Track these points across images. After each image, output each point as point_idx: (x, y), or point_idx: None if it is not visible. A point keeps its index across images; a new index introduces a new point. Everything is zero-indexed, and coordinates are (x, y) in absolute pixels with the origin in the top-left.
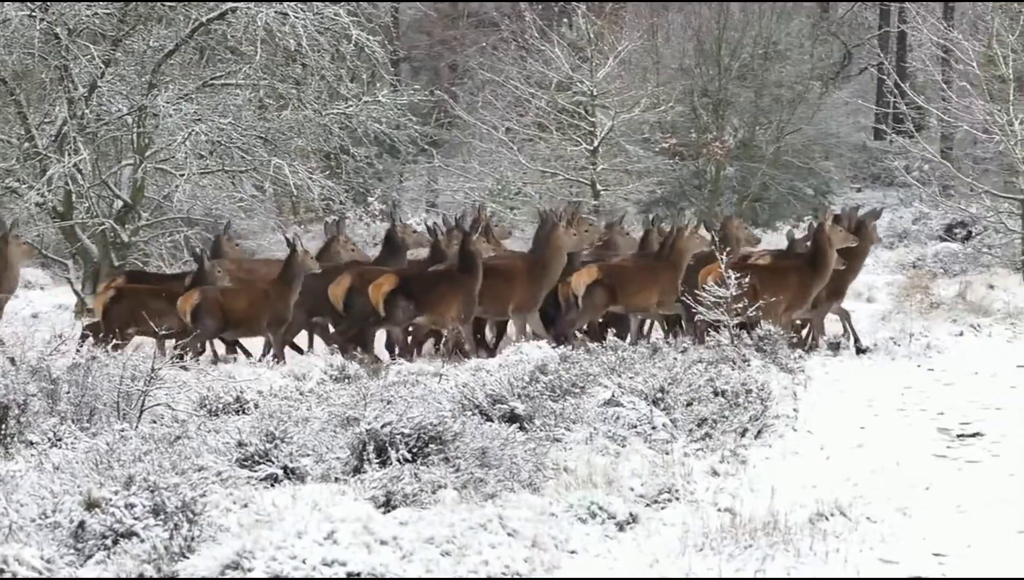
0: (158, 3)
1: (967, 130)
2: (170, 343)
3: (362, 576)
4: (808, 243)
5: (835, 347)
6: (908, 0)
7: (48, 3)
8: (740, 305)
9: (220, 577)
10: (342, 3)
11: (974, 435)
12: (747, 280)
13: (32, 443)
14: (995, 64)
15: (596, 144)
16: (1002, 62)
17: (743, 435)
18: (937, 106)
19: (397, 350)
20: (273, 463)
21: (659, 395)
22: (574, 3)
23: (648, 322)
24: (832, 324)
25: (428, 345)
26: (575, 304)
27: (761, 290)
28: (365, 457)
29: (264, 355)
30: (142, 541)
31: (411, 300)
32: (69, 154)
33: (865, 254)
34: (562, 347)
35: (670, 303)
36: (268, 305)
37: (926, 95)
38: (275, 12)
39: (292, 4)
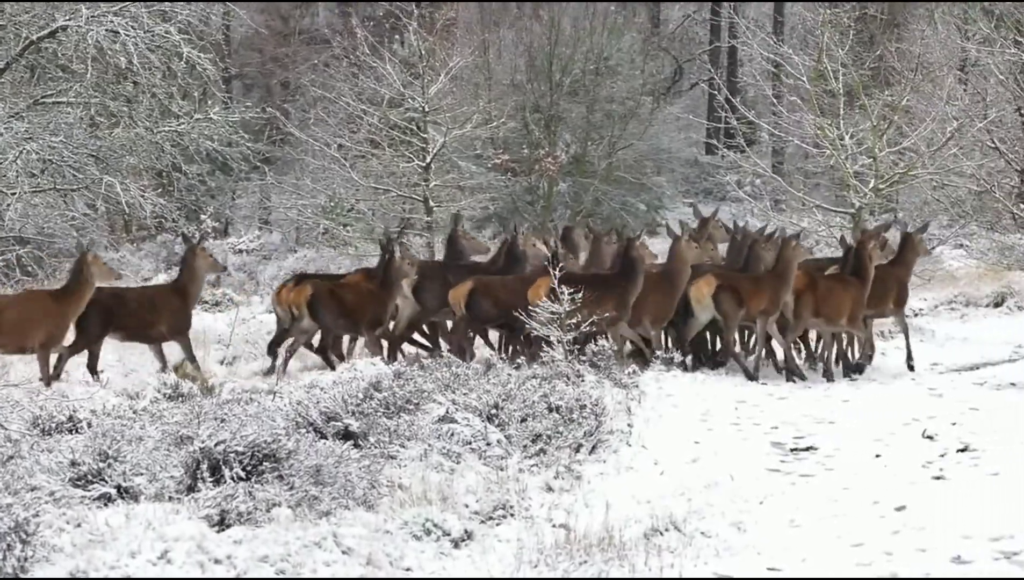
0: None
1: (798, 144)
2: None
3: None
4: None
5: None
6: None
7: None
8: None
9: None
10: (173, 21)
11: (808, 449)
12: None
13: None
14: (825, 79)
15: (428, 160)
16: (832, 76)
17: (578, 451)
18: (768, 121)
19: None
20: (107, 482)
21: (493, 411)
22: (405, 20)
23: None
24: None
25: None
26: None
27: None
28: (199, 476)
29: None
30: None
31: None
32: None
33: (912, 267)
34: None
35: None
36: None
37: (757, 110)
38: (106, 30)
39: (123, 22)
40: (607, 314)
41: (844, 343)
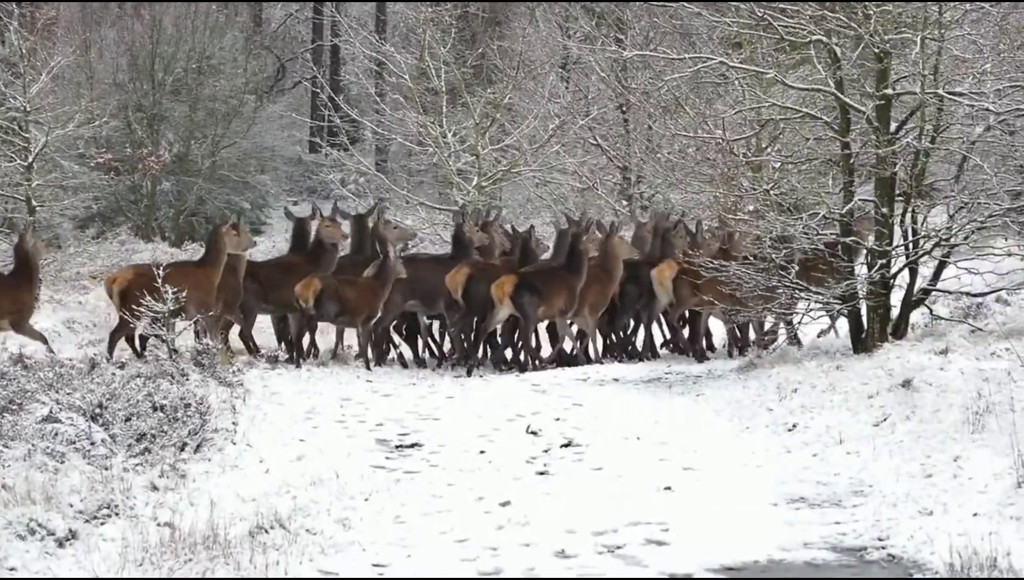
0: None
1: (401, 142)
2: None
3: None
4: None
5: (273, 360)
6: None
7: None
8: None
9: None
10: None
11: (413, 446)
12: None
13: None
14: (427, 77)
15: (30, 160)
16: (434, 75)
17: (182, 449)
18: (371, 119)
19: None
20: None
21: (98, 411)
22: (6, 20)
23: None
24: None
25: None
26: None
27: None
28: None
29: None
30: None
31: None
32: None
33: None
34: None
35: None
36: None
37: (360, 108)
38: None
39: None
40: (559, 307)
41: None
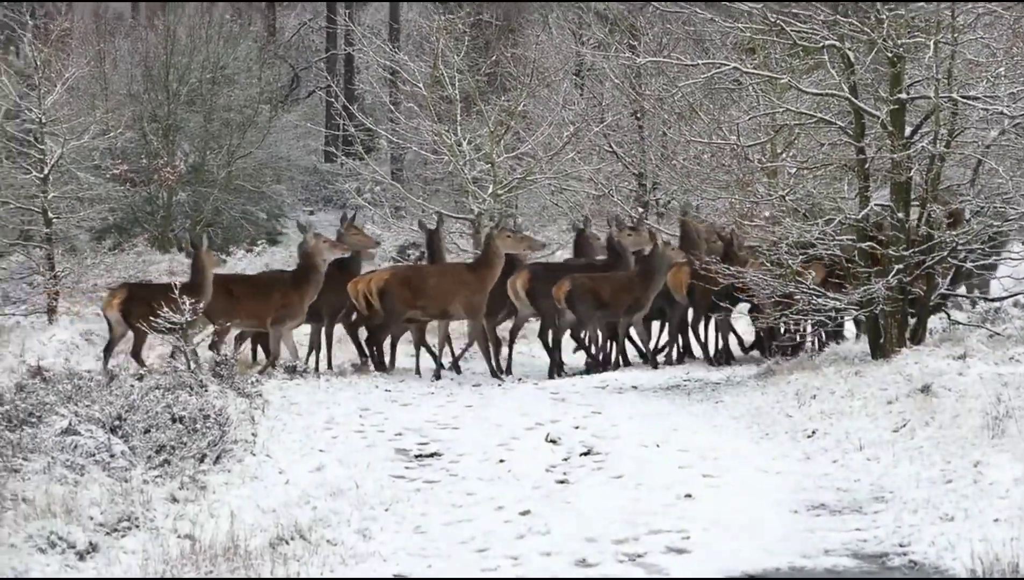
0: None
1: (416, 151)
2: None
3: None
4: None
5: (292, 370)
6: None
7: None
8: None
9: None
10: None
11: (432, 455)
12: None
13: None
14: (442, 85)
15: (46, 172)
16: (448, 83)
17: (202, 461)
18: (386, 128)
19: None
20: None
21: (117, 423)
22: (20, 32)
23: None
24: None
25: None
26: None
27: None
28: None
29: None
30: None
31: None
32: None
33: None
34: None
35: None
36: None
37: (375, 117)
38: None
39: None
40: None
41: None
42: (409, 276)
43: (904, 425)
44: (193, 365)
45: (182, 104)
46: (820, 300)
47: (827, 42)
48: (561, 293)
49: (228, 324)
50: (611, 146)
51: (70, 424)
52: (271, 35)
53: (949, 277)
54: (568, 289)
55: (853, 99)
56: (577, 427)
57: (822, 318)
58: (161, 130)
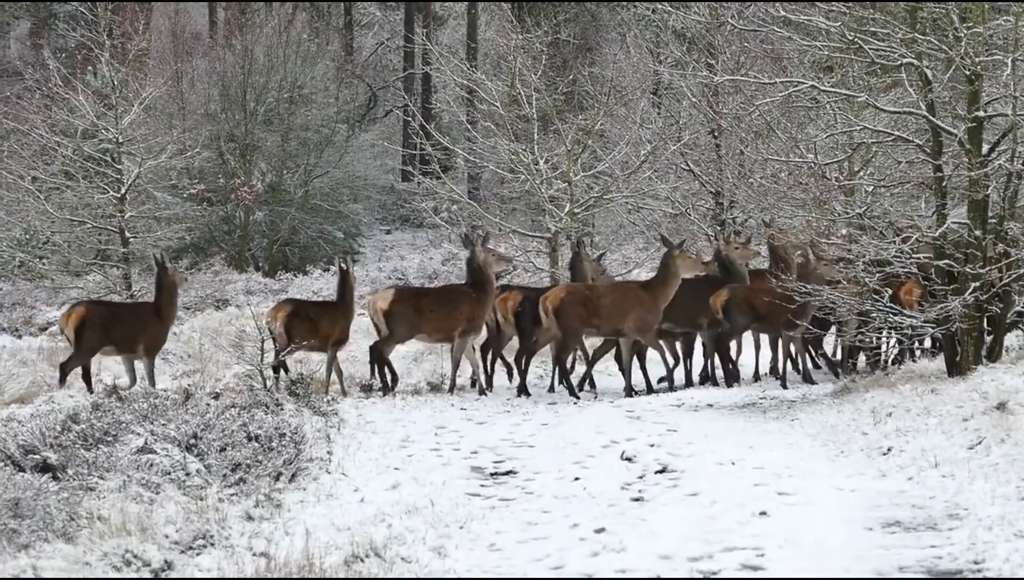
0: None
1: (493, 170)
2: None
3: None
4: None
5: (367, 389)
6: None
7: None
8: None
9: None
10: None
11: (507, 473)
12: None
13: None
14: (519, 104)
15: (123, 191)
16: (525, 102)
17: (277, 479)
18: (463, 146)
19: None
20: None
21: (192, 441)
22: (97, 52)
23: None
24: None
25: None
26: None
27: None
28: None
29: None
30: None
31: None
32: None
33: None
34: None
35: None
36: None
37: (452, 136)
38: None
39: None
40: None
41: None
42: (586, 295)
43: (980, 442)
44: (270, 384)
45: (259, 124)
46: (897, 318)
47: (905, 60)
48: (719, 302)
49: (412, 337)
50: (688, 164)
51: (146, 443)
52: (348, 54)
53: None
54: (726, 298)
55: (931, 117)
56: (652, 445)
57: (901, 336)
58: (238, 150)
